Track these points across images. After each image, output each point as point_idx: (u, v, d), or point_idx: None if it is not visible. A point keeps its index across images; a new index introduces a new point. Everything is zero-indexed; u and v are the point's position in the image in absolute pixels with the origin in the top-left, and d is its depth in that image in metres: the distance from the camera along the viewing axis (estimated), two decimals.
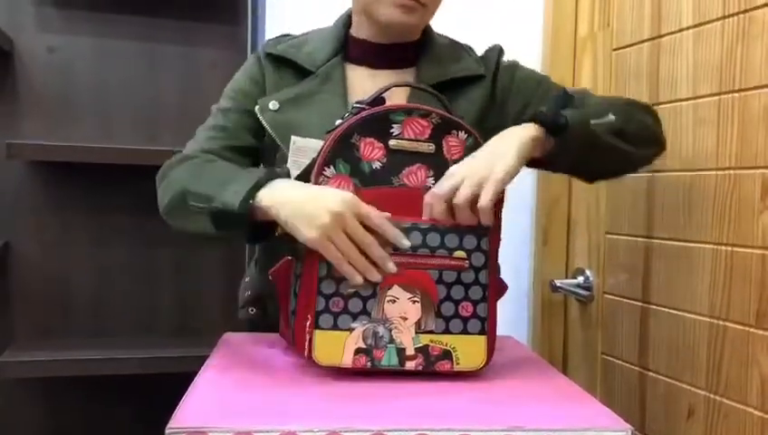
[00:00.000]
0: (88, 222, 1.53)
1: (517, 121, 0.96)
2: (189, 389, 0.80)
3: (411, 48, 1.09)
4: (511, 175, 0.86)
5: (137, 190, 1.53)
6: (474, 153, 0.88)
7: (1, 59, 1.46)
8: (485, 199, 0.84)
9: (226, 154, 1.03)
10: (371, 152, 0.86)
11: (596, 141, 0.92)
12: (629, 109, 1.01)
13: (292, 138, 0.99)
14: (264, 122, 1.02)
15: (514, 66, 1.14)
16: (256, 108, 1.03)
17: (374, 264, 0.83)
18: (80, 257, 1.53)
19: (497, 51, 1.13)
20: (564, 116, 0.90)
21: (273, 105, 1.02)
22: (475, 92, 1.07)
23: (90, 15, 1.51)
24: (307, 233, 0.81)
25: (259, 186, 0.86)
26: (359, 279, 0.82)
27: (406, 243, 0.83)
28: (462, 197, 0.84)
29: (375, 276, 0.83)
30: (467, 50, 1.14)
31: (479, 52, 1.15)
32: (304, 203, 0.82)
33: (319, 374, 0.84)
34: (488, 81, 1.09)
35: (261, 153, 1.07)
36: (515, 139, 0.89)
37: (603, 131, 0.92)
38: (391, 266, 0.83)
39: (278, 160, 1.02)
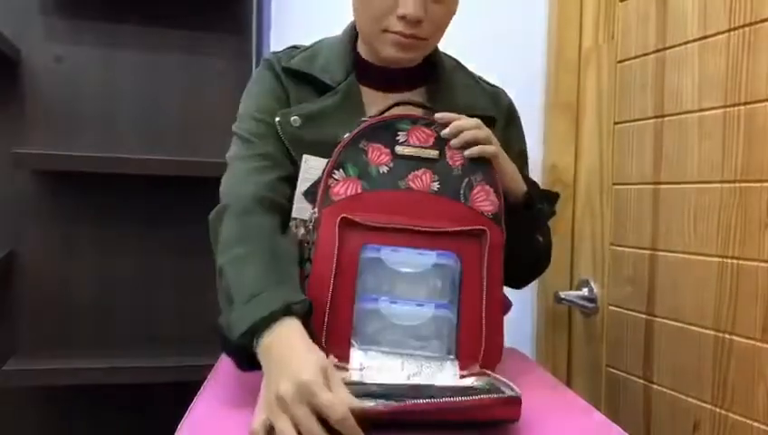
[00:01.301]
0: (93, 232, 1.53)
1: None
2: (190, 408, 0.79)
3: (419, 69, 1.07)
4: (498, 160, 0.95)
5: (142, 200, 1.53)
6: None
7: (8, 68, 1.47)
8: (478, 151, 0.93)
9: (281, 187, 0.96)
10: (379, 157, 0.90)
11: (526, 235, 1.03)
12: (548, 247, 1.12)
13: (304, 156, 0.97)
14: (282, 135, 0.98)
15: (517, 117, 1.17)
16: (276, 120, 0.99)
17: None
18: (84, 267, 1.53)
19: (509, 102, 1.15)
20: (542, 209, 1.04)
21: (294, 121, 0.99)
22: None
23: (96, 25, 1.52)
24: (257, 413, 0.72)
25: (265, 324, 0.77)
26: None
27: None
28: (464, 137, 0.92)
29: None
30: (477, 80, 1.13)
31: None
32: (270, 373, 0.74)
33: None
34: (499, 127, 1.09)
35: None
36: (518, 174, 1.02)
37: (533, 234, 1.05)
38: None
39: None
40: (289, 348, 0.75)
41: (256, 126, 1.01)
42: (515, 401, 0.73)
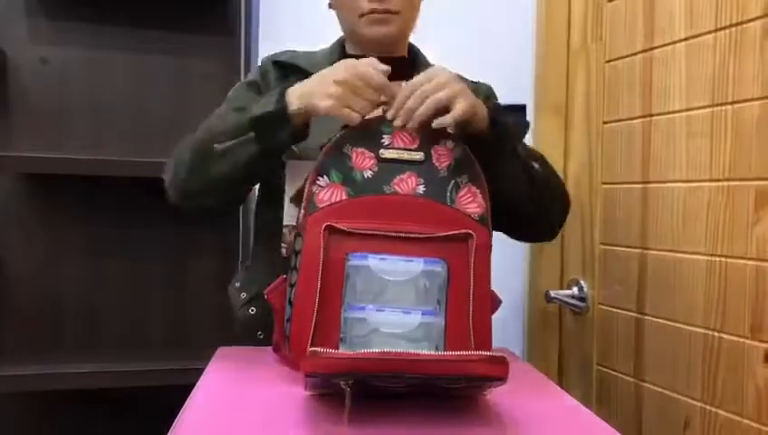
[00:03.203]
0: (79, 234, 1.52)
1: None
2: (183, 408, 0.79)
3: (404, 62, 1.13)
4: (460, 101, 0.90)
5: (128, 202, 1.52)
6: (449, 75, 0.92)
7: None
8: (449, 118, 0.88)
9: None
10: (363, 162, 0.89)
11: (516, 161, 0.99)
12: (552, 174, 1.08)
13: (288, 161, 1.01)
14: None
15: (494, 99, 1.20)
16: None
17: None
18: (70, 270, 1.52)
19: (488, 89, 1.20)
20: (507, 123, 0.98)
21: None
22: None
23: (83, 27, 1.51)
24: (322, 105, 0.89)
25: (284, 92, 0.93)
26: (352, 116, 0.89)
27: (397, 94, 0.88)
28: (431, 101, 0.88)
29: (367, 108, 0.89)
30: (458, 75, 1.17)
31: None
32: (315, 83, 0.91)
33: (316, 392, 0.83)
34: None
35: None
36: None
37: (525, 160, 1.01)
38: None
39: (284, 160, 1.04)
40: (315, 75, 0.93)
41: (226, 104, 1.11)
42: (500, 360, 0.72)
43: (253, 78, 1.14)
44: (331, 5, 1.14)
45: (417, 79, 0.90)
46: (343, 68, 0.90)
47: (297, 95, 0.92)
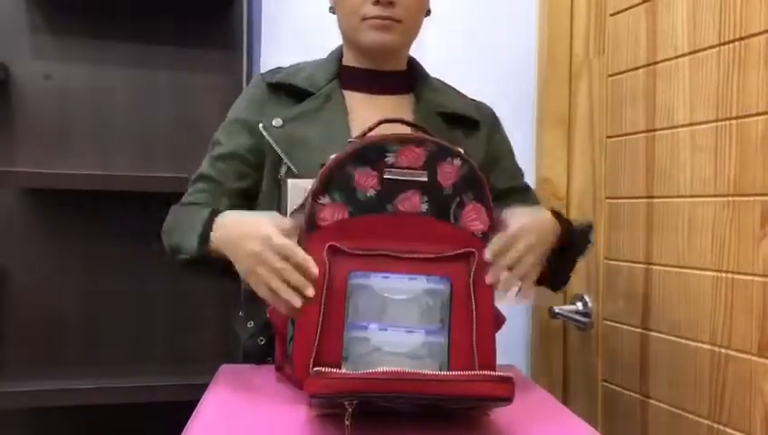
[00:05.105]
0: (82, 250, 1.51)
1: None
2: (186, 428, 0.78)
3: (404, 75, 1.13)
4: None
5: (131, 218, 1.52)
6: (538, 224, 0.94)
7: None
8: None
9: (212, 204, 1.06)
10: (366, 181, 0.87)
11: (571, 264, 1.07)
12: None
13: (288, 180, 1.00)
14: (269, 138, 1.04)
15: (500, 124, 1.21)
16: (260, 126, 1.05)
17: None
18: (73, 285, 1.51)
19: (492, 111, 1.20)
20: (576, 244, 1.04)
21: (276, 122, 1.05)
22: (474, 137, 1.12)
23: (86, 42, 1.51)
24: (241, 272, 0.89)
25: (208, 227, 0.95)
26: (282, 308, 0.85)
27: (314, 271, 0.82)
28: (521, 271, 0.89)
29: (296, 302, 0.82)
30: (458, 92, 1.19)
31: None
32: (234, 244, 0.90)
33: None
34: (484, 134, 1.14)
35: (259, 181, 1.08)
36: (552, 234, 0.97)
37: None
38: (310, 292, 0.82)
39: (282, 178, 1.03)
40: (235, 224, 0.92)
41: (215, 149, 1.10)
42: (506, 380, 0.71)
43: (242, 115, 1.09)
44: (332, 9, 1.11)
45: (514, 232, 0.89)
46: (259, 240, 0.86)
47: (217, 240, 0.94)
